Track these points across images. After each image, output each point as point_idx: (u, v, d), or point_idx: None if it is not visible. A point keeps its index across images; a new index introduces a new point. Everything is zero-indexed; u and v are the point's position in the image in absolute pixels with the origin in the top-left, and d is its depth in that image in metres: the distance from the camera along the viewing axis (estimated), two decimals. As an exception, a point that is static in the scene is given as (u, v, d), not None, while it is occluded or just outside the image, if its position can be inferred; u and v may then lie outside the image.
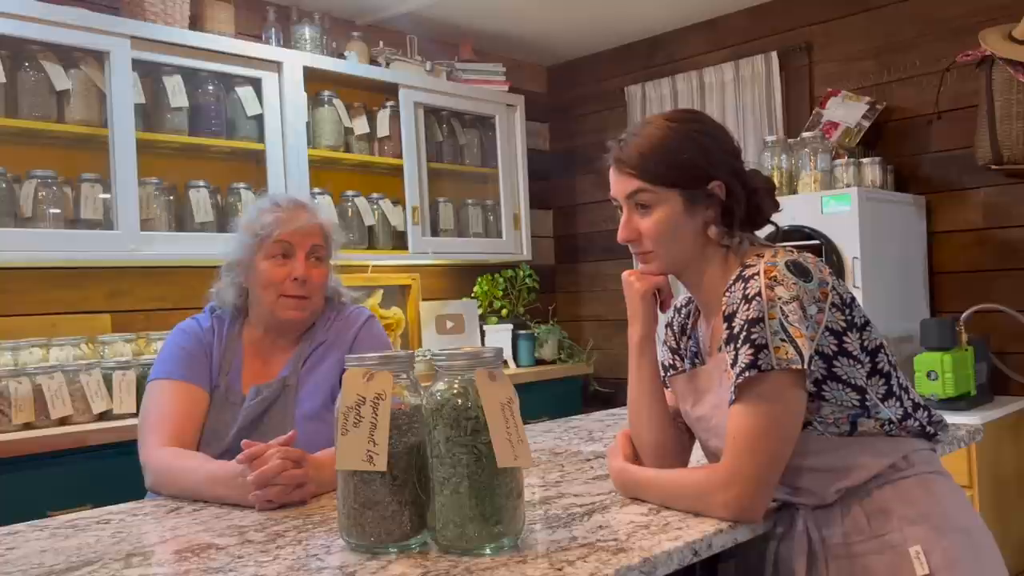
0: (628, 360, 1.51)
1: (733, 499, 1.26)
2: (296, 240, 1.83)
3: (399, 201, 3.76)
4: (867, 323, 1.35)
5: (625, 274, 1.51)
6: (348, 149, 3.65)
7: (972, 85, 3.23)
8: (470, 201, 4.09)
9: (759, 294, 1.27)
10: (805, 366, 1.23)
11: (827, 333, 1.29)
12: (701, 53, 4.15)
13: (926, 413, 1.39)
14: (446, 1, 3.77)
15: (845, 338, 1.31)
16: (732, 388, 1.27)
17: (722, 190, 1.39)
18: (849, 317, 1.32)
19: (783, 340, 1.24)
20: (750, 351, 1.24)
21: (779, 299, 1.26)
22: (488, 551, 1.17)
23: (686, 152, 1.39)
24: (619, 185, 1.42)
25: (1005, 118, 3.03)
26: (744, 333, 1.26)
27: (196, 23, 3.20)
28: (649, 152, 1.39)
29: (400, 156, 3.72)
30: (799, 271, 1.30)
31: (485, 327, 4.16)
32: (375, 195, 3.73)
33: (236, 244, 1.88)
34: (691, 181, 1.39)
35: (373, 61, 3.76)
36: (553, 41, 4.41)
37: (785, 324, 1.24)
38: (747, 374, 1.24)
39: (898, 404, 1.35)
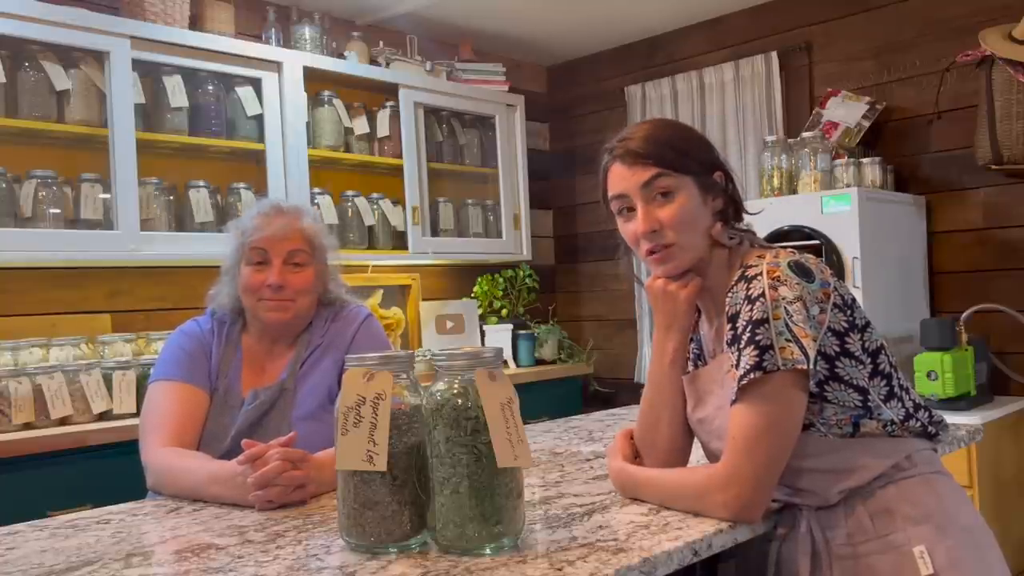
0: (652, 366, 1.49)
1: (733, 499, 1.26)
2: (271, 246, 1.84)
3: (399, 201, 3.76)
4: (868, 324, 1.35)
5: (660, 282, 1.45)
6: (348, 149, 3.65)
7: (972, 85, 3.23)
8: (470, 201, 4.09)
9: (762, 295, 1.27)
10: (810, 366, 1.23)
11: (829, 334, 1.29)
12: (701, 53, 4.15)
13: (927, 413, 1.39)
14: (446, 1, 3.77)
15: (847, 339, 1.31)
16: (735, 389, 1.27)
17: (723, 179, 1.42)
18: (851, 318, 1.32)
19: (788, 340, 1.24)
20: (755, 352, 1.24)
21: (783, 299, 1.26)
22: (488, 551, 1.17)
23: (690, 141, 1.42)
24: (632, 178, 1.38)
25: (1005, 118, 3.03)
26: (748, 334, 1.26)
27: (196, 23, 3.20)
28: (659, 141, 1.39)
29: (400, 156, 3.72)
30: (801, 272, 1.30)
31: (485, 327, 4.16)
32: (375, 195, 3.73)
33: (228, 249, 1.91)
34: (701, 168, 1.40)
35: (373, 61, 3.76)
36: (553, 41, 4.41)
37: (790, 324, 1.24)
38: (752, 375, 1.24)
39: (899, 405, 1.35)
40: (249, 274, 1.84)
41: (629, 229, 1.41)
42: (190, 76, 3.14)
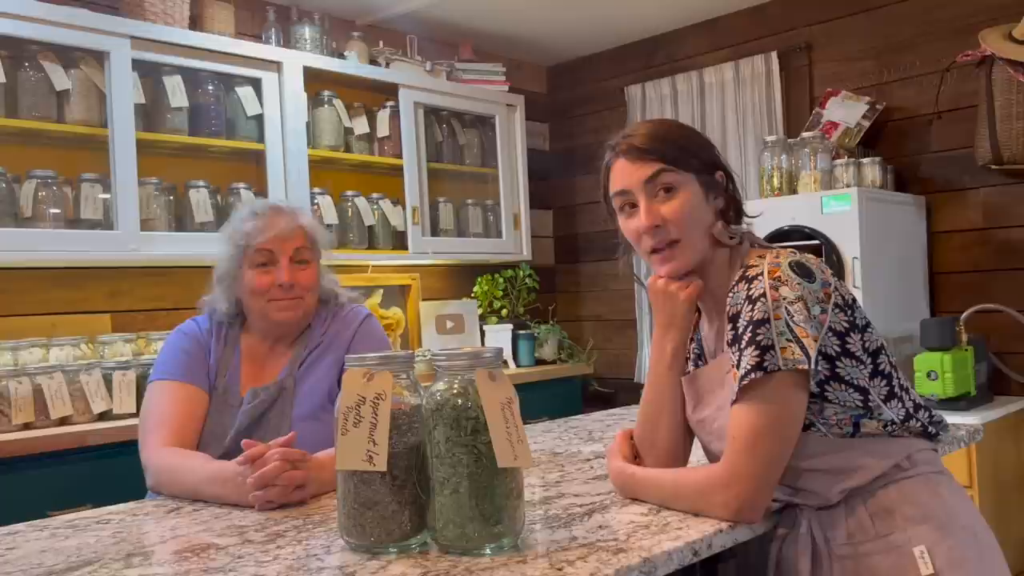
0: (651, 366, 1.49)
1: (733, 499, 1.26)
2: (277, 246, 1.83)
3: (399, 201, 3.76)
4: (868, 324, 1.35)
5: (661, 282, 1.44)
6: (348, 149, 3.65)
7: (972, 85, 3.23)
8: (470, 201, 4.09)
9: (763, 295, 1.27)
10: (811, 366, 1.23)
11: (830, 334, 1.29)
12: (701, 53, 4.15)
13: (927, 413, 1.39)
14: (446, 1, 3.77)
15: (848, 339, 1.30)
16: (735, 389, 1.27)
17: (723, 179, 1.42)
18: (851, 318, 1.32)
19: (789, 340, 1.24)
20: (755, 353, 1.24)
21: (784, 299, 1.26)
22: (488, 551, 1.17)
23: (692, 139, 1.42)
24: (636, 173, 1.38)
25: (1005, 118, 3.03)
26: (749, 335, 1.26)
27: (196, 23, 3.20)
28: (663, 138, 1.39)
29: (400, 156, 3.72)
30: (802, 271, 1.30)
31: (485, 327, 4.16)
32: (375, 195, 3.73)
33: (222, 256, 1.89)
34: (703, 166, 1.40)
35: (373, 61, 3.76)
36: (553, 41, 4.41)
37: (791, 324, 1.24)
38: (752, 376, 1.24)
39: (900, 405, 1.35)
40: (255, 276, 1.83)
41: (631, 226, 1.41)
42: (190, 76, 3.14)
